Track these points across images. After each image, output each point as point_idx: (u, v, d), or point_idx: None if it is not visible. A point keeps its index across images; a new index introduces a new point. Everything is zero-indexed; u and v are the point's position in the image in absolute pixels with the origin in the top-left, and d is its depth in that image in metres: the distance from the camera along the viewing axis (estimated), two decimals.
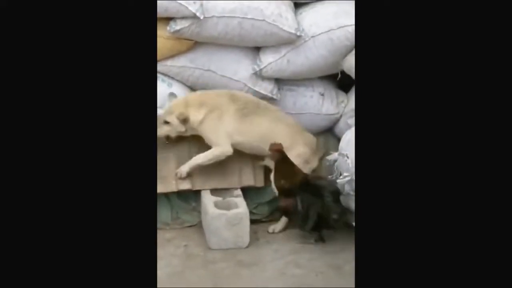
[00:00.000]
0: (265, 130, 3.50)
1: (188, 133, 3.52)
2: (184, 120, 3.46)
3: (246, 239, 3.30)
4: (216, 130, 3.50)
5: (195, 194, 3.54)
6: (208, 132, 3.51)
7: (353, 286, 2.22)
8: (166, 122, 3.49)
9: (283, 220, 3.47)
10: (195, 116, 3.48)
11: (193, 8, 3.39)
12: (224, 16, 3.44)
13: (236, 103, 3.52)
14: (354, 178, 3.15)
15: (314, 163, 3.56)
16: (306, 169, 3.47)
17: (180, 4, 3.39)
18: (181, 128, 3.48)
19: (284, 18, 3.49)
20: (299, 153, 3.49)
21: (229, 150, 3.48)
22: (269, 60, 3.58)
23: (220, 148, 3.48)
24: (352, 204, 3.23)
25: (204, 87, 3.66)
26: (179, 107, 3.49)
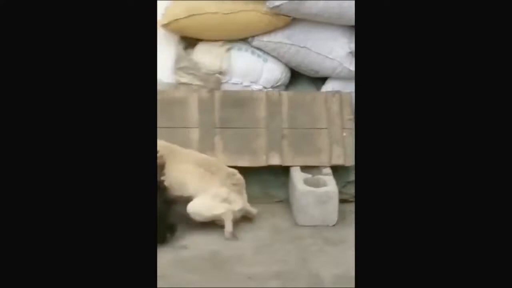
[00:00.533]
0: (180, 177, 3.36)
1: None
2: None
3: (334, 217, 3.31)
4: None
5: (285, 170, 3.56)
6: None
7: None
8: None
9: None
10: None
11: None
12: None
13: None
14: None
15: (237, 203, 3.35)
16: (228, 208, 3.31)
17: None
18: None
19: None
20: (215, 194, 3.33)
21: None
22: None
23: None
24: None
25: (299, 64, 3.68)
26: None
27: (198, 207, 3.31)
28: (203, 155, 3.51)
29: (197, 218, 3.30)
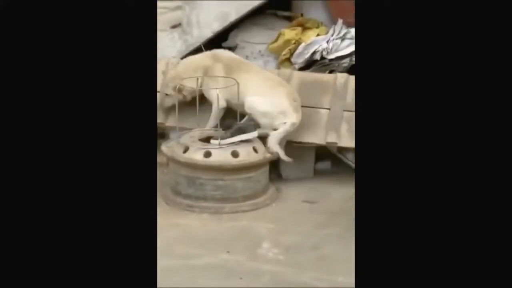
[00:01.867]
0: (247, 84, 3.97)
1: (189, 99, 4.11)
2: (180, 90, 4.06)
3: None
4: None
5: None
6: (208, 92, 4.10)
7: None
8: (167, 95, 4.16)
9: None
10: (193, 84, 4.06)
11: None
12: None
13: (221, 61, 4.09)
14: None
15: (292, 117, 3.96)
16: (283, 119, 3.94)
17: None
18: (181, 98, 4.07)
19: None
20: (275, 103, 3.95)
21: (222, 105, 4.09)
22: None
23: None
24: None
25: None
26: (174, 80, 4.11)
27: (256, 102, 3.93)
28: (268, 73, 4.15)
29: (249, 111, 3.93)
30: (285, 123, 3.96)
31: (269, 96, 3.97)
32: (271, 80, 4.10)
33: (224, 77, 4.07)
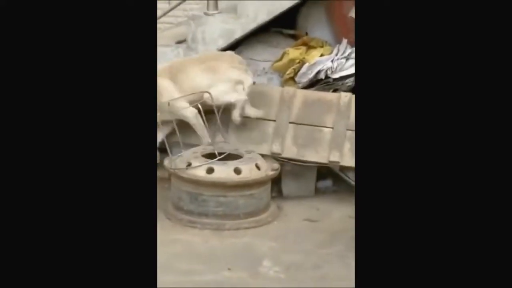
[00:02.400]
0: (192, 81, 4.09)
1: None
2: None
3: None
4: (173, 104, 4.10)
5: None
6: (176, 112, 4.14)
7: None
8: None
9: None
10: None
11: None
12: None
13: (161, 75, 4.06)
14: None
15: (246, 81, 4.11)
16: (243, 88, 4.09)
17: None
18: None
19: None
20: (230, 78, 4.07)
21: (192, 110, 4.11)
22: None
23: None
24: None
25: None
26: None
27: (216, 94, 4.01)
28: (201, 56, 4.26)
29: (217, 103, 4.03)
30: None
31: (221, 80, 4.07)
32: (207, 62, 4.15)
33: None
